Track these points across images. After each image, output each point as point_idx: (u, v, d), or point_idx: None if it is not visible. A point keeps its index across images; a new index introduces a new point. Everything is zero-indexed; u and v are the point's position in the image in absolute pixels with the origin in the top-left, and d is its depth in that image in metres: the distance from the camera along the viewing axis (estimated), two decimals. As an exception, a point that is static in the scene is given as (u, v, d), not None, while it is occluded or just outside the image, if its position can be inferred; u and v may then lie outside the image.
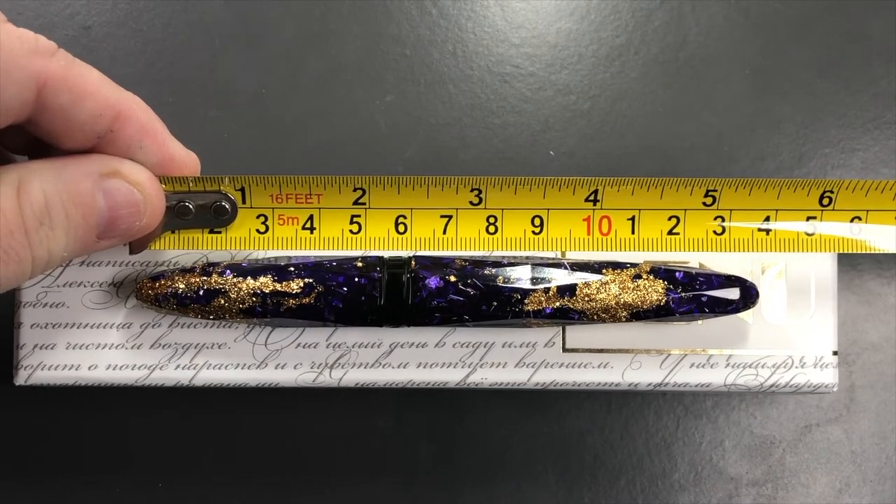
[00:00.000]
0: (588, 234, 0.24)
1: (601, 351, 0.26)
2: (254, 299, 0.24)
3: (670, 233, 0.24)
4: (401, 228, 0.24)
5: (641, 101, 0.31)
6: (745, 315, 0.26)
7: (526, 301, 0.24)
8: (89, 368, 0.25)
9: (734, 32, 0.31)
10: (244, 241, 0.24)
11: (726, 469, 0.30)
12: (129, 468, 0.30)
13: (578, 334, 0.26)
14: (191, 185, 0.23)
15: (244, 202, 0.24)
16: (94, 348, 0.25)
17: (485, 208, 0.24)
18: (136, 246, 0.23)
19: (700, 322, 0.26)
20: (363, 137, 0.31)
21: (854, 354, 0.31)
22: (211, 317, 0.24)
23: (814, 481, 0.30)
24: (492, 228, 0.24)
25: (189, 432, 0.30)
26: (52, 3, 0.31)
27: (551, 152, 0.31)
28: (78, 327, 0.25)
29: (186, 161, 0.23)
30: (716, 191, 0.24)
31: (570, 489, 0.30)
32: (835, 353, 0.26)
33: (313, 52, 0.31)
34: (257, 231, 0.24)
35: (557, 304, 0.24)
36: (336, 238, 0.24)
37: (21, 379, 0.25)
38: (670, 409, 0.30)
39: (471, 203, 0.24)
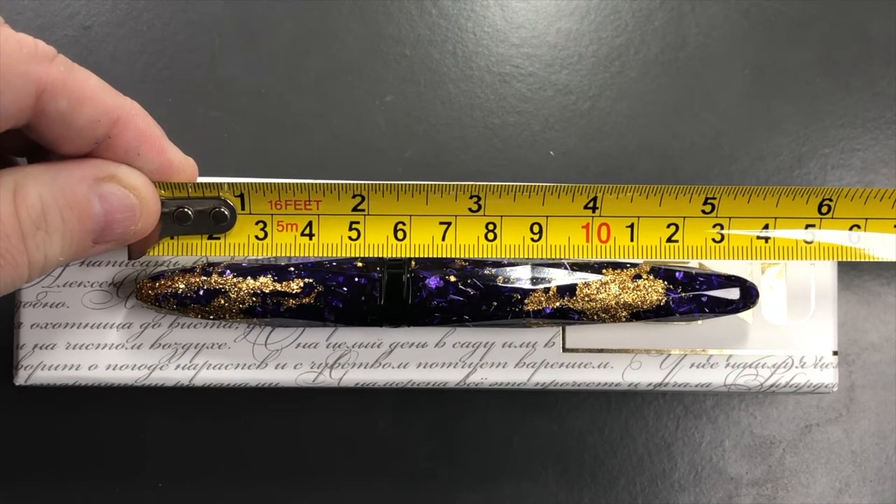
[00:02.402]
0: (587, 241, 0.24)
1: (601, 351, 0.26)
2: (254, 299, 0.24)
3: (669, 240, 0.24)
4: (400, 235, 0.24)
5: (641, 101, 0.31)
6: (745, 315, 0.26)
7: (526, 301, 0.24)
8: (89, 368, 0.25)
9: (734, 32, 0.31)
10: (243, 247, 0.24)
11: (726, 469, 0.30)
12: (129, 468, 0.30)
13: (578, 334, 0.26)
14: (190, 191, 0.23)
15: (243, 208, 0.24)
16: (94, 348, 0.25)
17: (484, 215, 0.24)
18: (135, 251, 0.23)
19: (700, 322, 0.26)
20: (363, 137, 0.31)
21: (854, 354, 0.31)
22: (211, 317, 0.24)
23: (814, 481, 0.30)
24: (490, 235, 0.24)
25: (189, 432, 0.30)
26: (51, 3, 0.31)
27: (551, 152, 0.31)
28: (78, 327, 0.25)
29: (185, 167, 0.23)
30: (715, 198, 0.24)
31: (570, 489, 0.30)
32: (835, 353, 0.26)
33: (313, 52, 0.31)
34: (256, 237, 0.24)
35: (557, 304, 0.24)
36: (335, 244, 0.24)
37: (21, 379, 0.25)
38: (670, 409, 0.30)
39: (470, 210, 0.24)
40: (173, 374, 0.25)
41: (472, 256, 0.24)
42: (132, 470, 0.30)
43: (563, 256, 0.24)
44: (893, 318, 0.31)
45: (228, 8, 0.31)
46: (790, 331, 0.26)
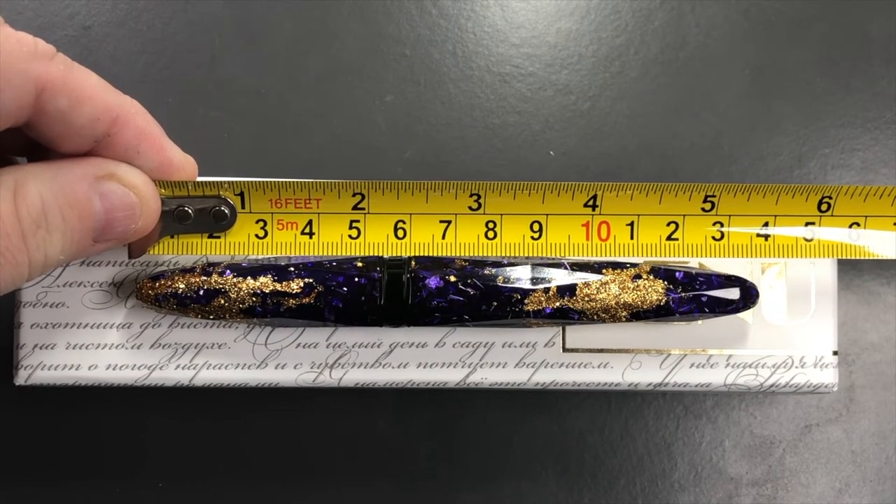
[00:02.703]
0: (587, 239, 0.24)
1: (601, 351, 0.26)
2: (254, 299, 0.24)
3: (669, 238, 0.24)
4: (400, 233, 0.24)
5: (641, 101, 0.31)
6: (745, 315, 0.26)
7: (526, 301, 0.24)
8: (89, 368, 0.25)
9: (734, 32, 0.31)
10: (243, 246, 0.24)
11: (726, 469, 0.30)
12: (129, 468, 0.30)
13: (578, 334, 0.26)
14: (190, 189, 0.23)
15: (243, 207, 0.24)
16: (94, 348, 0.25)
17: (484, 213, 0.24)
18: (135, 250, 0.23)
19: (700, 322, 0.26)
20: (363, 137, 0.31)
21: (854, 354, 0.31)
22: (211, 317, 0.24)
23: (814, 481, 0.30)
24: (491, 234, 0.24)
25: (189, 432, 0.30)
26: (51, 3, 0.31)
27: (551, 152, 0.31)
28: (78, 327, 0.25)
29: (184, 165, 0.23)
30: (714, 196, 0.24)
31: (570, 489, 0.30)
32: (835, 353, 0.26)
33: (313, 52, 0.31)
34: (256, 236, 0.24)
35: (557, 304, 0.24)
36: (335, 243, 0.24)
37: (21, 379, 0.25)
38: (670, 409, 0.30)
39: (470, 208, 0.24)
40: (173, 374, 0.25)
41: (472, 255, 0.24)
42: (132, 470, 0.30)
43: (563, 255, 0.24)
44: (893, 318, 0.31)
45: (228, 8, 0.31)
46: (790, 331, 0.26)
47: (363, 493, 0.30)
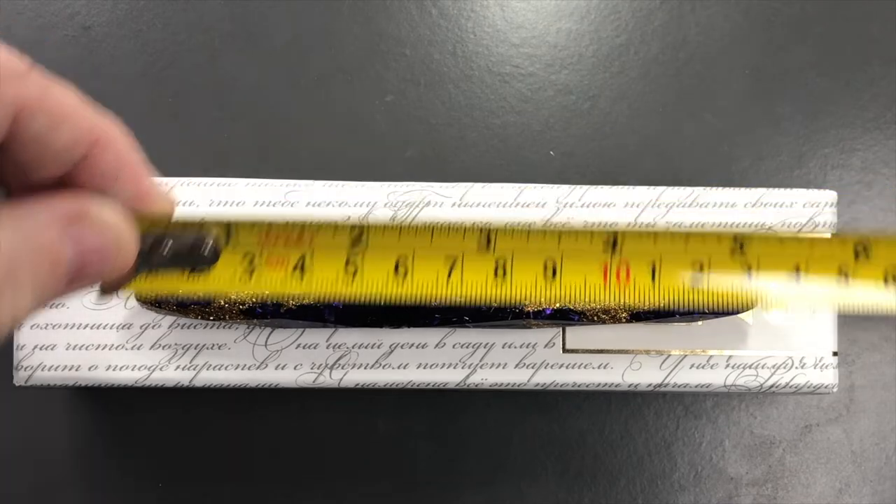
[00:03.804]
0: (605, 281, 0.22)
1: (601, 351, 0.26)
2: (254, 300, 0.24)
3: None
4: (401, 271, 0.22)
5: (641, 101, 0.31)
6: (745, 316, 0.26)
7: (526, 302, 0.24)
8: (89, 369, 0.25)
9: (734, 32, 0.31)
10: (227, 284, 0.22)
11: (726, 469, 0.30)
12: (129, 468, 0.30)
13: (578, 335, 0.26)
14: (170, 223, 0.20)
15: (227, 243, 0.21)
16: (94, 349, 0.25)
17: (493, 252, 0.22)
18: (107, 289, 0.21)
19: (700, 322, 0.26)
20: (363, 137, 0.31)
21: (854, 354, 0.31)
22: (211, 318, 0.24)
23: (814, 481, 0.30)
24: (500, 272, 0.23)
25: (189, 432, 0.30)
26: (51, 3, 0.31)
27: (551, 152, 0.31)
28: (78, 328, 0.25)
29: (163, 195, 0.20)
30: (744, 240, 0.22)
31: (570, 489, 0.30)
32: (835, 353, 0.26)
33: (313, 52, 0.31)
34: (242, 274, 0.21)
35: (557, 305, 0.24)
36: (330, 281, 0.22)
37: (21, 380, 0.25)
38: (670, 409, 0.30)
39: (479, 245, 0.22)
40: (173, 374, 0.25)
41: (479, 295, 0.23)
42: (132, 470, 0.30)
43: (578, 299, 0.23)
44: (893, 318, 0.31)
45: (228, 8, 0.31)
46: (790, 331, 0.26)
47: (363, 493, 0.30)
